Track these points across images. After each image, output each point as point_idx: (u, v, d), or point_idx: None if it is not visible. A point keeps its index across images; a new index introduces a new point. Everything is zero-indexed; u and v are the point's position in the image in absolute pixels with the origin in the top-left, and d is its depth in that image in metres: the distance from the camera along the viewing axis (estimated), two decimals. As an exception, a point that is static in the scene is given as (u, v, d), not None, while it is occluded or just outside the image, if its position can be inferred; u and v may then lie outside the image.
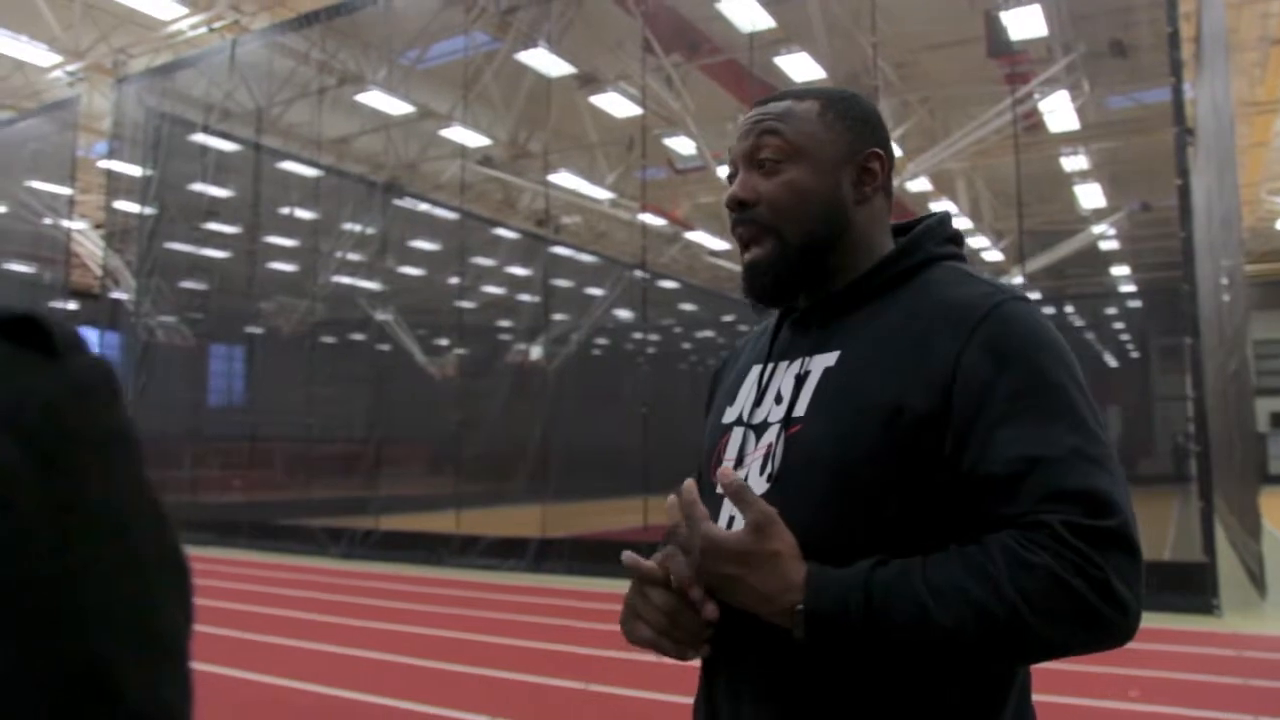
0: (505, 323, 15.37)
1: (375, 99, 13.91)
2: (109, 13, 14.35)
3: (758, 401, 1.18)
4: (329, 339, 14.70)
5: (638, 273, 14.19)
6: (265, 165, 14.48)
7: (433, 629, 7.04)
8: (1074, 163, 15.37)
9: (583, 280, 17.05)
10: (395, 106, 14.08)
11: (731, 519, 1.11)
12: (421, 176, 16.06)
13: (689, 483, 1.08)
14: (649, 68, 12.16)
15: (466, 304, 14.17)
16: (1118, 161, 15.82)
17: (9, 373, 0.39)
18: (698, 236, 19.75)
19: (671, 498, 1.08)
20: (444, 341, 14.47)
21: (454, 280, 13.73)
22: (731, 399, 1.24)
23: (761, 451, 1.12)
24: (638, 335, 18.43)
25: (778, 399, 1.14)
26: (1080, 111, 12.95)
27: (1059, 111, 12.73)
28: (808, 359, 1.13)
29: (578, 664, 5.87)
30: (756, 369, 1.22)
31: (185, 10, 13.81)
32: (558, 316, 14.27)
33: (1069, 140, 14.44)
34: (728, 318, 25.11)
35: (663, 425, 11.11)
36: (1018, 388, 0.99)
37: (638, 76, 12.51)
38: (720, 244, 20.27)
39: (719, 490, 1.12)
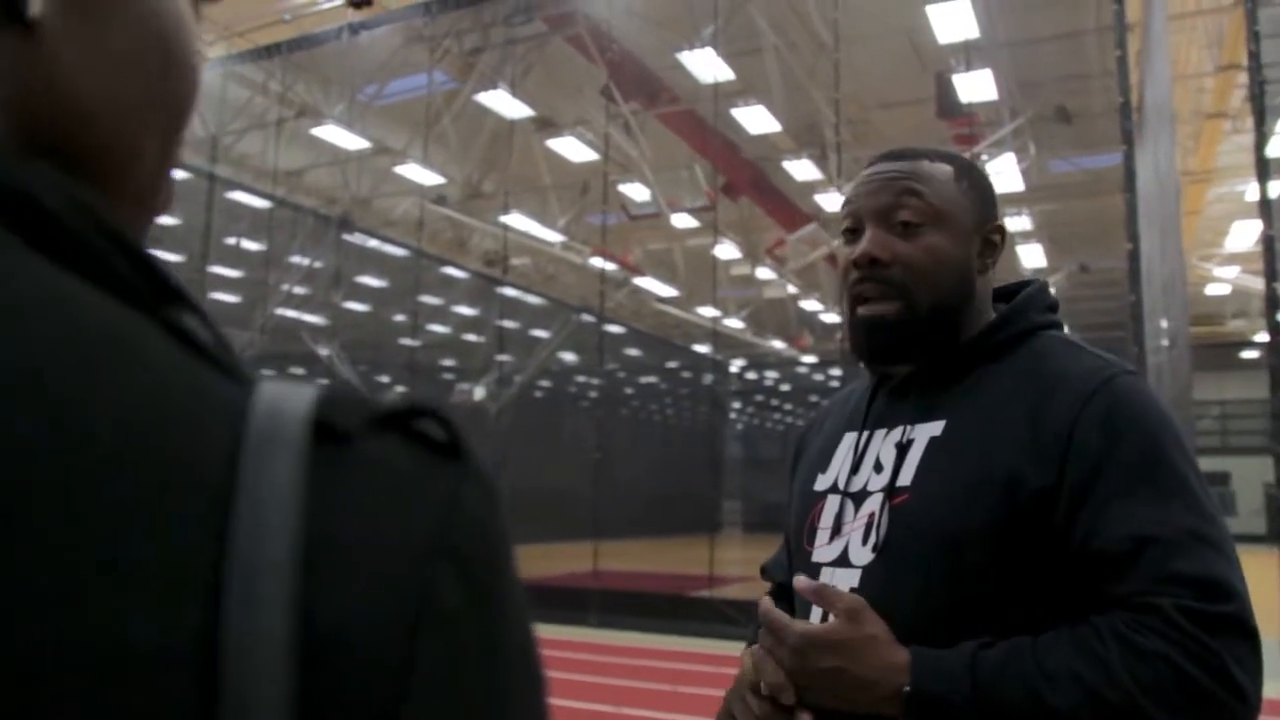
0: (451, 362, 15.27)
1: (331, 133, 13.84)
2: (60, 34, 14.15)
3: (854, 469, 1.15)
4: (269, 373, 14.40)
5: (586, 316, 14.22)
6: (216, 194, 14.29)
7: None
8: (1017, 223, 15.78)
9: (528, 322, 17.03)
10: (352, 141, 14.02)
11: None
12: (374, 212, 15.99)
13: (765, 601, 1.06)
14: (609, 114, 12.29)
15: (414, 342, 14.06)
16: (1057, 224, 16.28)
17: (426, 480, 0.34)
18: (646, 282, 19.85)
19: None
20: (386, 379, 14.32)
21: (400, 318, 13.62)
22: (823, 466, 1.21)
23: (863, 521, 1.10)
24: (581, 379, 18.43)
25: (877, 467, 1.12)
26: (1025, 174, 13.32)
27: (1005, 173, 13.08)
28: (909, 427, 1.11)
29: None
30: (850, 436, 1.19)
31: (140, 35, 13.67)
32: (502, 357, 14.22)
33: (1013, 201, 14.84)
34: (672, 364, 25.22)
35: (608, 469, 11.06)
36: (1131, 464, 0.98)
37: (596, 122, 12.62)
38: (669, 291, 20.39)
39: (814, 559, 1.13)
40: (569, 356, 17.05)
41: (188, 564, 0.29)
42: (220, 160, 14.22)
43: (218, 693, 0.28)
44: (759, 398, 30.30)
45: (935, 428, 1.09)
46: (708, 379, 17.03)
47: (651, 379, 25.49)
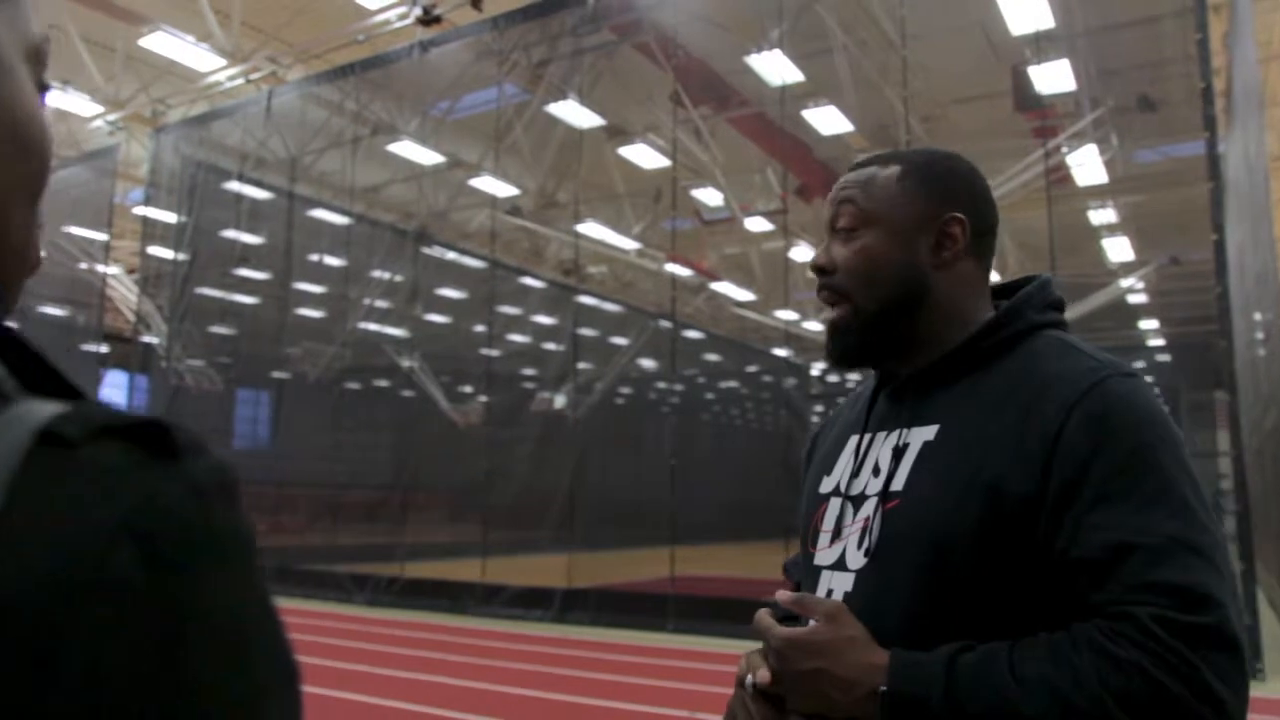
0: (531, 371, 15.40)
1: (407, 149, 14.11)
2: (150, 64, 14.72)
3: (855, 472, 1.16)
4: (354, 385, 14.77)
5: (664, 323, 14.23)
6: (297, 213, 14.68)
7: (456, 679, 6.97)
8: (1102, 216, 15.32)
9: (608, 329, 17.10)
10: (426, 156, 14.28)
11: (830, 591, 1.12)
12: (450, 225, 16.24)
13: (761, 613, 1.08)
14: (678, 120, 12.29)
15: (493, 352, 14.22)
16: (1145, 215, 15.76)
17: (128, 476, 0.39)
18: (723, 287, 19.80)
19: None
20: (468, 389, 14.50)
21: (480, 328, 13.80)
22: (829, 468, 1.22)
23: (859, 525, 1.11)
24: (661, 385, 18.44)
25: (875, 471, 1.13)
26: (1108, 165, 12.94)
27: (1087, 165, 12.72)
28: (906, 430, 1.12)
29: (602, 718, 5.78)
30: (854, 439, 1.20)
31: (223, 62, 14.13)
32: (582, 365, 14.29)
33: (1097, 194, 14.42)
34: (752, 368, 25.08)
35: (687, 475, 11.03)
36: (1116, 468, 0.96)
37: (666, 128, 12.63)
38: (746, 295, 20.29)
39: (815, 562, 1.15)
40: (648, 363, 17.07)
41: None
42: (300, 179, 14.61)
43: None
44: (840, 401, 29.99)
45: (929, 432, 1.09)
46: (788, 383, 16.87)
47: (731, 384, 25.39)
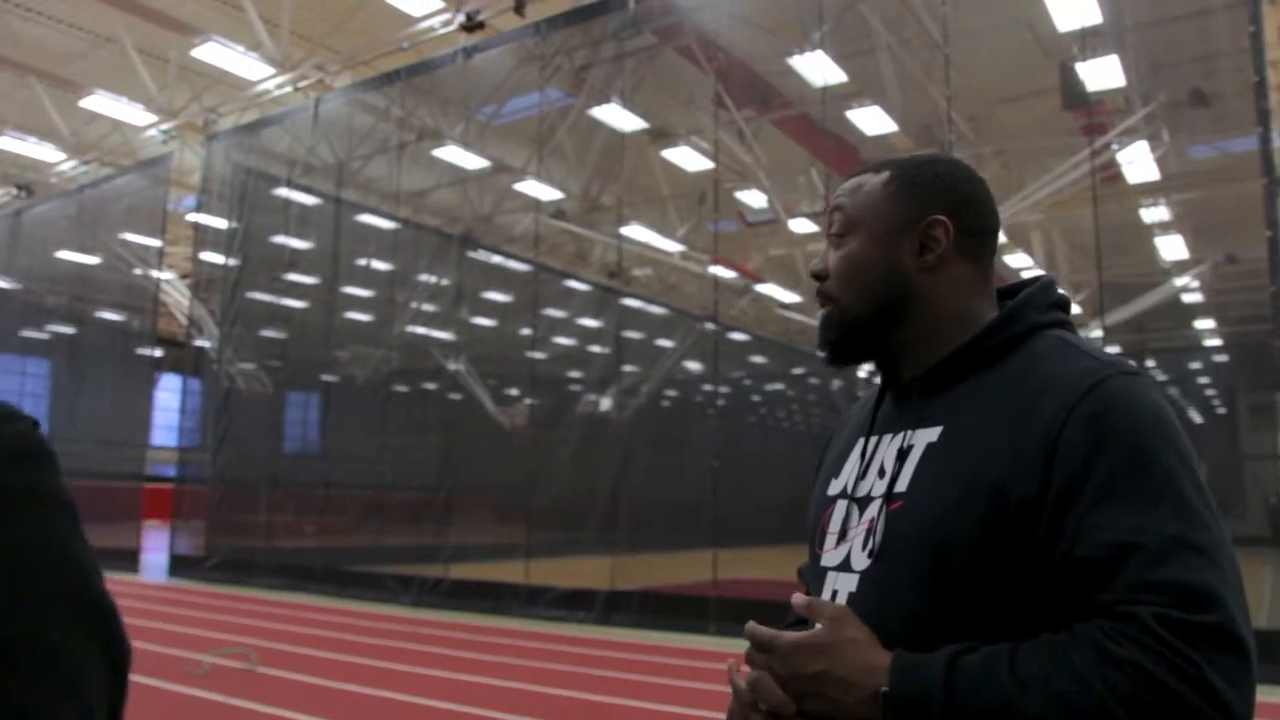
0: (576, 374, 15.46)
1: (452, 154, 14.24)
2: (201, 74, 15.02)
3: (862, 474, 1.17)
4: (402, 388, 14.92)
5: (708, 325, 14.22)
6: (345, 218, 14.87)
7: (499, 680, 7.02)
8: (1154, 214, 15.03)
9: (653, 332, 17.12)
10: (471, 161, 14.40)
11: (835, 593, 1.13)
12: (496, 229, 16.35)
13: (751, 623, 1.09)
14: (721, 122, 12.26)
15: (538, 355, 14.29)
16: (1200, 212, 15.44)
17: None
18: (768, 289, 19.72)
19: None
20: (514, 392, 14.59)
21: (526, 331, 13.88)
22: (837, 471, 1.24)
23: (864, 526, 1.12)
24: (707, 387, 18.45)
25: (880, 473, 1.14)
26: (1160, 162, 12.70)
27: (1138, 162, 12.49)
28: (910, 432, 1.12)
29: None
30: (860, 441, 1.21)
31: (272, 71, 14.37)
32: (628, 368, 14.30)
33: (1149, 191, 14.16)
34: (798, 370, 24.96)
35: (732, 478, 11.00)
36: (1117, 468, 0.95)
37: (709, 131, 12.63)
38: (791, 297, 20.20)
39: (822, 564, 1.16)
40: (693, 365, 17.07)
41: None
42: (347, 185, 14.80)
43: None
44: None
45: (932, 434, 1.09)
46: (834, 385, 16.75)
47: (777, 386, 25.30)
